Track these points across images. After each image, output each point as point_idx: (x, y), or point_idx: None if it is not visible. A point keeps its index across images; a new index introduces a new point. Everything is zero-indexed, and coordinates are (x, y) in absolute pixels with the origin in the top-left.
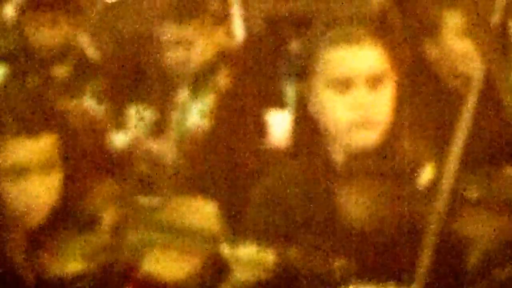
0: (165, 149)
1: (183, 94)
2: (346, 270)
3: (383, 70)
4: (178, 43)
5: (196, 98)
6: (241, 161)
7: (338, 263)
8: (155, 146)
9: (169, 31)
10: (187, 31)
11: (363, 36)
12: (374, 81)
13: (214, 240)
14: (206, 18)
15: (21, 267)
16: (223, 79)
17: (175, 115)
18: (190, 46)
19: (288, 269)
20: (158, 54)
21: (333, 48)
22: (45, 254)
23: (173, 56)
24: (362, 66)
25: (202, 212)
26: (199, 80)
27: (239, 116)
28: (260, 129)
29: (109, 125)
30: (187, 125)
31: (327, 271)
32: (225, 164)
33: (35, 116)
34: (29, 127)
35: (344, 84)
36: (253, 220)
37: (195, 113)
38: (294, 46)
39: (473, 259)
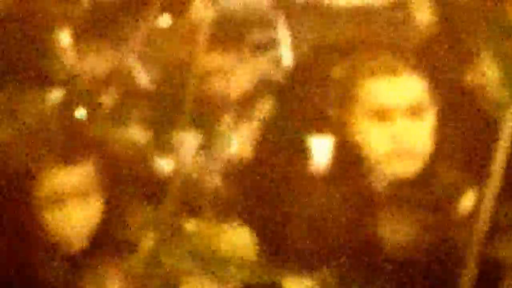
0: (207, 176)
1: (226, 122)
2: None
3: (423, 100)
4: (220, 71)
5: (239, 126)
6: (283, 189)
7: None
8: (198, 173)
9: (212, 59)
10: (229, 59)
11: (405, 67)
12: (415, 112)
13: (249, 269)
14: (248, 46)
15: None
16: (266, 107)
17: (218, 143)
18: (232, 74)
19: None
20: (201, 82)
21: (374, 78)
22: (85, 280)
23: (215, 84)
24: (402, 96)
25: (239, 241)
26: (242, 108)
27: (282, 144)
28: (304, 157)
29: (152, 151)
30: (231, 152)
31: None
32: (267, 192)
33: (74, 145)
34: (68, 157)
35: (385, 114)
36: (292, 248)
37: (238, 141)
38: (338, 73)
39: (508, 283)
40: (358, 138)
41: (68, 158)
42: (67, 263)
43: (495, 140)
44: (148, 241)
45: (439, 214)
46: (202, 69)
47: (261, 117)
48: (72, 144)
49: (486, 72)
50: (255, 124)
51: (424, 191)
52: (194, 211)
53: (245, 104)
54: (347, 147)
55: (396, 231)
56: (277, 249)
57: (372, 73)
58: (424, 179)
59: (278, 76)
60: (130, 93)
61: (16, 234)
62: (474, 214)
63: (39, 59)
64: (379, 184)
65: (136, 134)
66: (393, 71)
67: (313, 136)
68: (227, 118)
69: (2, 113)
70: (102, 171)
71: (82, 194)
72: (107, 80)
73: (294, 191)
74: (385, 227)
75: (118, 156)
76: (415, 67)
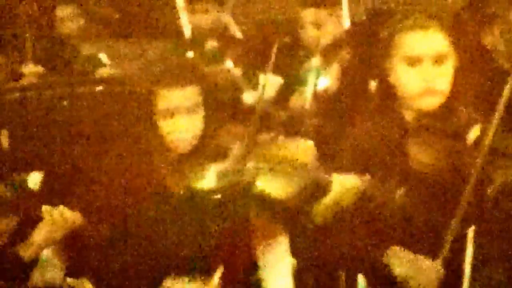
0: (294, 105)
1: (316, 62)
2: (404, 198)
3: (446, 50)
4: (314, 23)
5: (327, 65)
6: (350, 113)
7: (400, 192)
8: (275, 105)
9: (309, 15)
10: (321, 14)
11: (432, 24)
12: (439, 59)
13: (311, 169)
14: (331, 5)
15: (172, 183)
16: (344, 53)
17: (309, 77)
18: (323, 26)
19: (367, 194)
20: (296, 33)
21: (408, 33)
22: (190, 174)
23: (310, 33)
24: (429, 47)
25: (303, 149)
26: (329, 52)
27: (354, 82)
28: (365, 93)
29: (242, 85)
30: (319, 84)
31: (391, 198)
32: (337, 116)
33: (185, 74)
34: (180, 81)
35: (415, 60)
36: (345, 158)
37: (326, 76)
38: (384, 31)
39: (492, 193)
40: (395, 79)
41: (180, 82)
42: (175, 163)
43: (502, 86)
44: (237, 149)
45: (454, 140)
46: (298, 22)
47: (341, 60)
48: (183, 73)
49: (499, 35)
50: (337, 65)
51: (444, 122)
52: (269, 130)
53: (330, 49)
54: (388, 86)
55: (421, 151)
56: (331, 158)
57: (408, 29)
58: (444, 112)
59: (347, 32)
60: (226, 41)
61: (140, 139)
62: (479, 143)
63: (160, 16)
64: (411, 115)
65: (231, 70)
66: (425, 28)
67: (370, 79)
68: (317, 59)
69: (131, 54)
70: (205, 95)
71: (189, 110)
72: (209, 32)
73: (354, 117)
74: (414, 148)
75: (218, 85)
76: (442, 26)
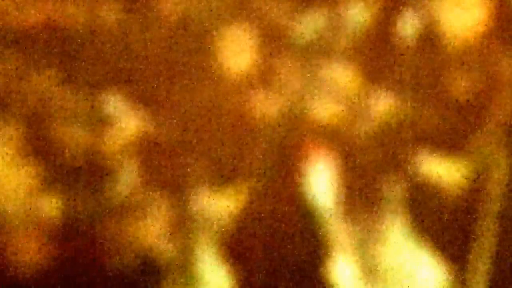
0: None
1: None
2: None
3: None
4: None
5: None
6: (389, 44)
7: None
8: (328, 37)
9: None
10: None
11: None
12: None
13: (355, 91)
14: None
15: (231, 109)
16: None
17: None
18: None
19: (406, 117)
20: None
21: None
22: (246, 103)
23: None
24: None
25: (350, 75)
26: None
27: (387, 19)
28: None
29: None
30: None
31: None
32: (382, 41)
33: (241, 11)
34: (236, 18)
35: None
36: (391, 81)
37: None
38: None
39: None
40: (438, 18)
41: (237, 19)
42: (233, 89)
43: None
44: (291, 78)
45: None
46: None
47: None
48: (240, 10)
49: None
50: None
51: (482, 52)
52: (324, 59)
53: None
54: (430, 26)
55: (461, 79)
56: (380, 81)
57: None
58: (483, 42)
59: None
60: None
61: (197, 70)
62: None
63: None
64: (451, 47)
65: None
66: None
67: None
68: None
69: None
70: (262, 30)
71: (244, 45)
72: None
73: (393, 49)
74: (453, 77)
75: (274, 21)
76: None
